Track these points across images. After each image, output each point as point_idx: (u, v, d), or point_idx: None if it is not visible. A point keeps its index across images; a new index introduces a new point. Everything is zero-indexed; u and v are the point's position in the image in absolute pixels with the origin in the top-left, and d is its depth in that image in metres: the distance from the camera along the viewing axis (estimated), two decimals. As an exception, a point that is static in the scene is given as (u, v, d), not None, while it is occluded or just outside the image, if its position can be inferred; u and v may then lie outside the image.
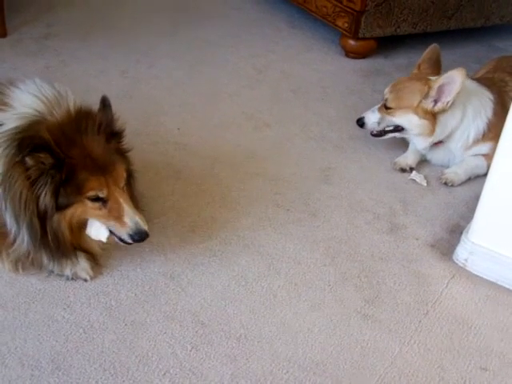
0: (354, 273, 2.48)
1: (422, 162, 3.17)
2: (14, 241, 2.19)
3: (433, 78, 2.94)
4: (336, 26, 4.11)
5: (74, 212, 2.15)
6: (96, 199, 2.13)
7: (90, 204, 2.14)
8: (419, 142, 3.06)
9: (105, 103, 2.20)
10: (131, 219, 2.16)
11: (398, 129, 3.06)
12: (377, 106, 3.10)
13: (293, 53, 4.20)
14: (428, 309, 2.35)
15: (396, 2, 3.95)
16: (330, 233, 2.67)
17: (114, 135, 2.21)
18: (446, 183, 3.02)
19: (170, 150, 3.08)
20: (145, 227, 2.18)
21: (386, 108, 3.04)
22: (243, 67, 3.96)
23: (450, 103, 2.88)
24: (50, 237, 2.15)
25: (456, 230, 2.73)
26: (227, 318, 2.23)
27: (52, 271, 2.32)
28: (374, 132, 3.13)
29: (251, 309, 2.28)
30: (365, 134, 3.32)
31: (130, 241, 2.19)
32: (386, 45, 4.24)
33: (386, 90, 3.07)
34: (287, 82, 3.83)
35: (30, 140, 2.02)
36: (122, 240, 2.22)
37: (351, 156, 3.19)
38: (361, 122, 3.13)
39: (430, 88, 2.88)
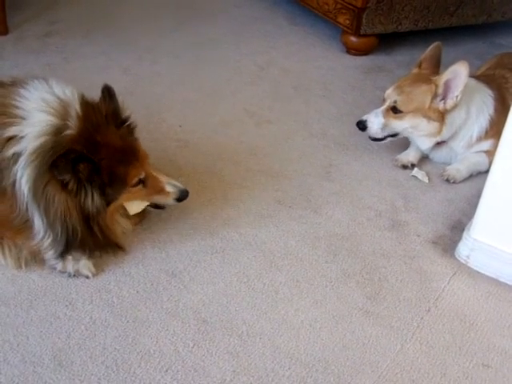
0: (356, 269, 2.48)
1: (424, 158, 3.17)
2: (33, 238, 2.24)
3: (435, 77, 2.92)
4: (337, 22, 4.11)
5: (121, 202, 2.32)
6: (137, 183, 2.31)
7: (133, 190, 2.32)
8: (424, 143, 3.05)
9: (109, 92, 2.28)
10: (171, 186, 2.41)
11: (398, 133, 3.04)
12: (380, 109, 3.01)
13: (294, 50, 4.20)
14: (430, 305, 2.35)
15: (397, -2, 3.96)
16: (332, 229, 2.67)
17: (123, 123, 2.31)
18: (447, 180, 3.01)
19: (172, 146, 3.08)
20: (184, 187, 2.44)
21: (393, 112, 2.98)
22: (245, 64, 3.96)
23: (458, 97, 2.87)
24: (98, 233, 2.25)
25: (458, 227, 2.72)
26: (229, 315, 2.23)
27: (54, 268, 2.32)
28: (376, 137, 3.07)
29: (253, 305, 2.28)
30: (366, 130, 3.32)
31: (174, 204, 2.46)
32: (388, 42, 4.23)
33: (390, 92, 3.01)
34: (289, 79, 3.83)
35: (66, 157, 2.08)
36: (159, 207, 2.49)
37: (353, 153, 3.19)
38: (362, 126, 3.03)
39: (436, 86, 2.87)
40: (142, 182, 2.32)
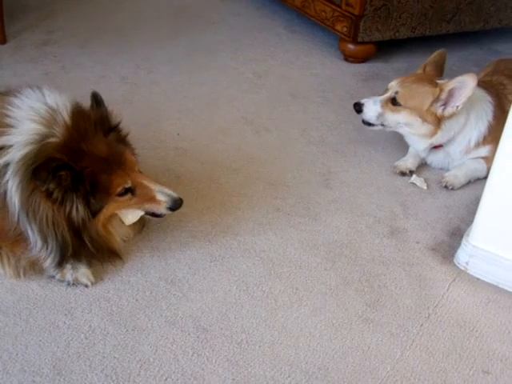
0: (355, 277, 2.48)
1: (422, 165, 3.17)
2: (32, 249, 2.23)
3: (442, 81, 2.93)
4: (335, 30, 4.12)
5: (107, 212, 2.25)
6: (124, 192, 2.25)
7: (120, 199, 2.25)
8: (417, 143, 3.06)
9: (96, 99, 2.28)
10: (163, 194, 2.31)
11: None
12: (379, 98, 3.01)
13: (292, 57, 4.20)
14: (429, 312, 2.34)
15: (394, 6, 3.96)
16: (331, 237, 2.67)
17: (111, 129, 2.29)
18: (446, 186, 3.01)
19: (170, 155, 3.08)
20: (177, 195, 2.33)
21: (392, 103, 2.99)
22: (243, 72, 3.96)
23: (459, 107, 2.87)
24: (89, 244, 2.23)
25: (457, 234, 2.73)
26: (228, 323, 2.23)
27: (53, 277, 2.32)
28: (369, 121, 3.06)
29: (252, 313, 2.27)
30: (365, 138, 3.33)
31: (168, 212, 2.36)
32: (385, 49, 4.24)
33: (394, 84, 3.01)
34: (287, 87, 3.83)
35: (46, 165, 2.06)
36: (156, 215, 2.39)
37: (351, 160, 3.19)
38: (358, 108, 3.04)
39: (441, 91, 2.86)
40: (129, 190, 2.27)
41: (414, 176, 3.07)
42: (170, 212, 2.36)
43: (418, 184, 3.03)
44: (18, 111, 2.22)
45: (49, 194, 2.11)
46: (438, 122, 2.92)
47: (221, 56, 4.13)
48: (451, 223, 2.81)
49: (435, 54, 3.08)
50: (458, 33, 4.32)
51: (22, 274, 2.31)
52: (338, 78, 3.98)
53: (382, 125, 3.05)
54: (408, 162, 3.12)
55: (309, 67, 4.09)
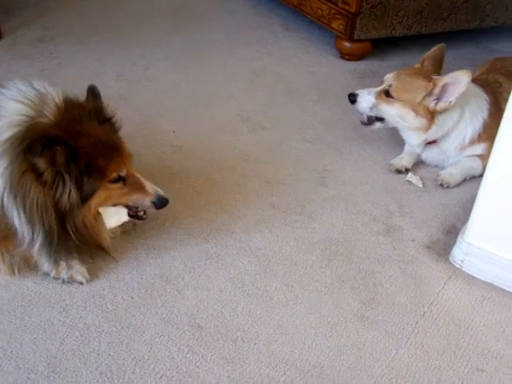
0: (351, 274, 2.48)
1: (418, 163, 3.17)
2: (21, 243, 2.16)
3: (436, 76, 2.93)
4: (331, 28, 4.12)
5: (99, 200, 2.19)
6: (117, 180, 2.21)
7: (111, 186, 2.20)
8: (412, 138, 3.06)
9: (93, 92, 2.26)
10: (152, 188, 2.29)
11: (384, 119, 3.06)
12: (374, 89, 3.03)
13: (288, 55, 4.20)
14: (425, 310, 2.35)
15: (391, 4, 3.96)
16: (327, 235, 2.67)
17: (105, 121, 2.25)
18: (441, 184, 3.02)
19: (166, 152, 3.07)
20: (165, 194, 2.31)
21: (386, 95, 2.99)
22: (239, 70, 3.96)
23: (452, 103, 2.88)
24: (72, 235, 2.15)
25: (452, 231, 2.73)
26: (224, 321, 2.23)
27: (48, 274, 2.32)
28: (365, 121, 3.10)
29: (248, 311, 2.27)
30: (361, 135, 3.33)
31: (153, 209, 2.31)
32: (382, 47, 4.24)
33: (389, 76, 3.02)
34: (283, 84, 3.83)
35: (38, 140, 1.99)
36: (139, 217, 2.36)
37: (347, 158, 3.19)
38: (353, 99, 3.05)
39: (434, 85, 2.87)
40: (122, 179, 2.23)
41: (409, 174, 3.07)
42: (153, 208, 2.31)
43: (413, 182, 3.03)
44: (2, 97, 2.16)
45: (40, 175, 2.03)
46: (431, 116, 2.93)
47: (217, 53, 4.13)
48: (447, 221, 2.81)
49: (434, 49, 3.09)
50: (454, 31, 4.32)
51: (16, 271, 2.30)
52: (334, 75, 3.98)
53: (377, 119, 3.07)
54: (404, 160, 3.12)
55: (305, 65, 4.09)
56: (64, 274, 2.30)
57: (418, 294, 2.42)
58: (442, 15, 4.17)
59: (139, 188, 2.28)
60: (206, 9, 4.80)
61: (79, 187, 2.09)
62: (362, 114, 3.11)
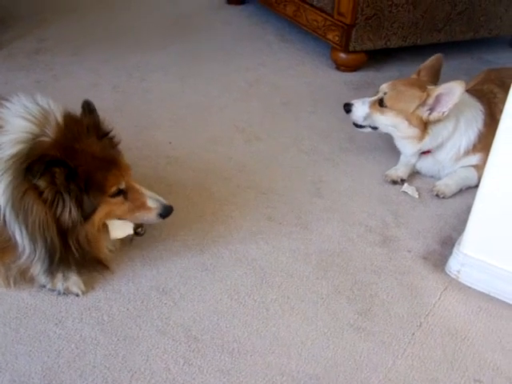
0: (347, 285, 2.47)
1: (414, 174, 3.18)
2: (20, 256, 2.19)
3: (431, 86, 2.94)
4: (327, 39, 4.13)
5: (101, 215, 2.22)
6: (117, 194, 2.23)
7: (113, 201, 2.22)
8: (406, 147, 3.07)
9: (89, 108, 2.27)
10: (154, 201, 2.31)
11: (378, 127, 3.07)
12: (369, 99, 3.05)
13: (284, 66, 4.21)
14: (421, 321, 2.34)
15: (386, 15, 3.98)
16: (323, 246, 2.66)
17: (103, 136, 2.27)
18: (437, 195, 3.02)
19: (162, 163, 3.08)
20: (167, 202, 2.34)
21: (380, 104, 3.00)
22: (234, 80, 3.97)
23: (445, 114, 2.89)
24: (75, 250, 2.18)
25: (448, 242, 2.73)
26: (220, 332, 2.22)
27: (44, 286, 2.31)
28: (357, 123, 3.11)
29: (244, 322, 2.27)
30: (356, 146, 3.34)
31: (159, 220, 2.35)
32: (377, 58, 4.26)
33: (384, 86, 3.03)
34: (278, 95, 3.84)
35: (39, 161, 2.03)
36: (137, 234, 2.44)
37: (343, 169, 3.19)
38: (348, 109, 3.08)
39: (428, 96, 2.88)
40: (122, 192, 2.25)
41: (405, 185, 3.07)
42: (161, 219, 2.34)
43: (409, 193, 3.03)
44: (7, 111, 2.19)
45: (41, 193, 2.07)
46: (425, 126, 2.93)
47: (212, 64, 4.14)
48: (442, 232, 2.81)
49: (431, 59, 3.10)
50: (448, 42, 4.34)
51: (12, 283, 2.29)
52: (329, 86, 3.99)
53: (371, 127, 3.08)
54: (399, 171, 3.12)
55: (300, 76, 4.10)
56: (60, 286, 2.29)
57: (414, 304, 2.41)
58: (437, 26, 4.19)
59: (141, 203, 2.30)
60: (200, 20, 4.82)
61: (80, 205, 2.13)
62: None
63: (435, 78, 3.07)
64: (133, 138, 3.17)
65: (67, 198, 2.10)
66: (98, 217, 2.21)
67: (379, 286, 2.49)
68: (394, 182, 3.09)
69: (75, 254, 2.19)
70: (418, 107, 2.90)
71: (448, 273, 2.56)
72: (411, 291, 2.47)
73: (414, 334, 2.29)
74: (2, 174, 2.08)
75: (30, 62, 3.93)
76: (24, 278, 2.29)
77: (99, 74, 3.89)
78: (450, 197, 3.02)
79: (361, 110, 3.05)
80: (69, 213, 2.11)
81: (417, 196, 3.03)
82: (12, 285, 2.29)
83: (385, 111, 2.99)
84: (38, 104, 2.23)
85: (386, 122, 3.00)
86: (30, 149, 2.09)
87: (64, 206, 2.10)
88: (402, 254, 2.66)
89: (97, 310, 2.27)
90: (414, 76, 3.11)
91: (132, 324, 2.22)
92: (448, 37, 4.27)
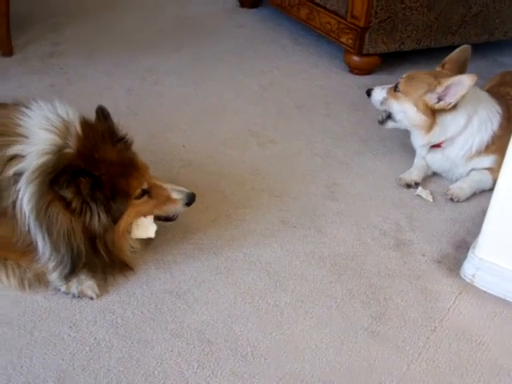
0: (361, 289, 2.47)
1: (428, 177, 3.16)
2: (38, 260, 2.24)
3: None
4: (340, 42, 4.12)
5: (129, 217, 2.29)
6: (142, 194, 2.31)
7: (138, 202, 2.31)
8: (416, 138, 3.09)
9: (103, 113, 2.32)
10: (177, 192, 2.41)
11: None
12: (388, 86, 3.12)
13: (297, 69, 4.21)
14: (436, 325, 2.33)
15: (400, 18, 3.96)
16: (337, 249, 2.66)
17: (118, 141, 2.32)
18: (451, 198, 3.00)
19: (176, 166, 3.08)
20: (189, 190, 2.45)
21: (394, 90, 3.05)
22: (248, 84, 3.96)
23: (451, 105, 2.88)
24: (104, 254, 2.24)
25: (463, 246, 2.71)
26: (234, 336, 2.22)
27: (58, 289, 2.32)
28: (380, 119, 3.19)
29: (258, 326, 2.27)
30: (370, 150, 3.33)
31: (186, 208, 2.45)
32: (390, 61, 4.23)
33: (404, 75, 3.09)
34: (292, 99, 3.83)
35: (65, 173, 2.08)
36: (170, 219, 2.49)
37: (356, 172, 3.18)
38: (369, 93, 3.18)
39: (439, 84, 2.87)
40: (146, 192, 2.32)
41: (419, 188, 3.06)
42: (186, 208, 2.44)
43: (423, 196, 3.02)
44: (30, 121, 2.24)
45: (67, 204, 2.13)
46: (431, 114, 2.93)
47: (226, 67, 4.14)
48: (457, 235, 2.79)
49: (458, 50, 3.11)
50: (463, 44, 4.31)
51: (27, 285, 2.30)
52: (343, 90, 3.98)
53: (390, 118, 3.12)
54: (413, 175, 3.11)
55: (314, 79, 4.10)
56: (74, 289, 2.30)
57: (428, 308, 2.40)
58: (452, 29, 4.17)
59: (166, 198, 2.39)
60: (213, 23, 4.82)
61: (108, 211, 2.19)
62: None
63: (461, 70, 3.04)
64: (147, 141, 3.18)
65: (94, 206, 2.16)
66: (125, 219, 2.28)
67: (393, 290, 2.48)
68: (408, 186, 3.08)
69: (103, 258, 2.24)
70: (426, 93, 2.91)
71: (463, 277, 2.55)
72: (425, 295, 2.46)
73: (428, 338, 2.28)
74: (28, 184, 2.13)
75: (45, 66, 3.94)
76: (39, 281, 2.31)
77: (113, 77, 3.90)
78: (465, 200, 3.01)
79: (379, 94, 3.12)
80: (98, 220, 2.17)
81: (431, 199, 3.01)
82: (27, 288, 2.30)
83: (397, 96, 3.03)
84: (58, 114, 2.27)
85: (397, 107, 3.05)
86: (55, 160, 2.14)
87: (92, 214, 2.16)
88: (417, 258, 2.65)
89: (111, 313, 2.27)
90: (438, 69, 3.10)
91: (146, 327, 2.23)
92: (462, 39, 4.24)
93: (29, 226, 2.16)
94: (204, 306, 2.33)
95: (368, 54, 4.05)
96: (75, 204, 2.13)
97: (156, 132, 3.34)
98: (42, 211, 2.13)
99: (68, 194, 2.11)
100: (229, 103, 3.73)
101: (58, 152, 2.16)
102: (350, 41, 4.02)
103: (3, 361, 2.07)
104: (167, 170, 3.03)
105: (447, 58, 3.10)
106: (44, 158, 2.15)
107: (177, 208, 2.43)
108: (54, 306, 2.28)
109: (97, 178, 2.13)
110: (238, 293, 2.40)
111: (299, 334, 2.25)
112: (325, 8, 4.20)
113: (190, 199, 2.44)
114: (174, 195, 2.41)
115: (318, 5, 4.26)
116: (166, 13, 4.90)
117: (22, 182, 2.13)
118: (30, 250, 2.21)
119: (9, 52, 4.00)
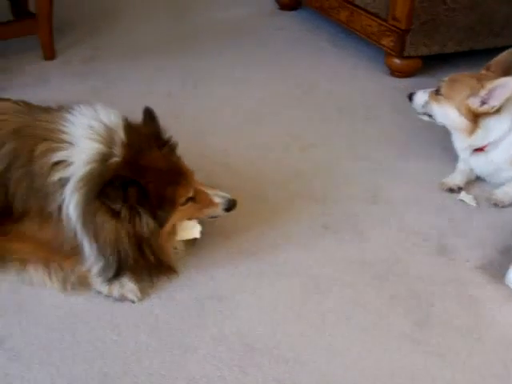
0: (404, 296, 2.43)
1: (471, 182, 3.11)
2: (83, 263, 2.27)
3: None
4: (381, 44, 4.09)
5: (173, 222, 2.32)
6: (187, 201, 2.33)
7: (183, 208, 2.32)
8: (458, 141, 3.05)
9: (150, 115, 2.34)
10: (218, 196, 2.44)
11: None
12: (430, 89, 3.09)
13: (337, 72, 4.18)
14: (481, 333, 2.28)
15: (441, 19, 3.91)
16: (379, 255, 2.63)
17: (164, 145, 2.33)
18: (495, 204, 2.95)
19: (216, 171, 3.07)
20: (231, 196, 2.47)
21: (436, 93, 3.02)
22: (287, 86, 3.95)
23: (494, 108, 2.83)
24: (151, 257, 2.26)
25: (507, 252, 2.66)
26: (275, 341, 2.20)
27: (100, 292, 2.33)
28: (417, 110, 3.17)
29: (300, 332, 2.25)
30: (412, 153, 3.30)
31: (225, 214, 2.47)
32: (432, 63, 4.18)
33: (446, 78, 3.05)
34: (332, 102, 3.81)
35: (114, 184, 2.10)
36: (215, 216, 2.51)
37: (398, 176, 3.15)
38: (410, 97, 3.17)
39: (482, 87, 2.83)
40: (191, 199, 2.34)
41: (462, 193, 3.01)
42: (226, 213, 2.46)
43: (466, 201, 2.98)
44: (75, 128, 2.26)
45: (115, 213, 2.15)
46: (474, 118, 2.89)
47: (265, 70, 4.13)
48: (501, 241, 2.74)
49: (504, 53, 3.05)
50: (506, 47, 4.24)
51: (69, 288, 2.32)
52: (384, 93, 3.95)
53: (429, 115, 3.10)
54: (456, 179, 3.06)
55: (354, 82, 4.07)
56: (116, 293, 2.31)
57: (473, 316, 2.36)
58: (494, 31, 4.10)
59: (208, 202, 2.42)
60: (253, 25, 4.82)
61: (154, 217, 2.21)
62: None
63: (505, 73, 2.97)
64: (187, 144, 3.14)
65: (142, 213, 2.18)
66: (170, 224, 2.29)
67: (436, 297, 2.44)
68: (451, 190, 3.04)
69: (150, 261, 2.26)
70: (468, 97, 2.87)
71: (508, 284, 2.50)
72: (470, 302, 2.42)
73: (473, 346, 2.23)
74: (75, 192, 2.16)
75: (85, 69, 3.98)
76: (81, 284, 2.33)
77: (153, 80, 3.92)
78: (509, 205, 2.95)
79: (421, 97, 3.11)
80: (146, 225, 2.19)
81: (474, 204, 2.97)
82: (69, 290, 2.32)
83: (439, 99, 3.00)
84: (101, 121, 2.28)
85: (439, 110, 3.01)
86: (102, 169, 2.16)
87: (141, 221, 2.18)
88: (460, 264, 2.60)
89: (152, 317, 2.27)
90: (483, 71, 3.04)
91: (187, 331, 2.22)
92: (506, 41, 4.17)
93: (75, 231, 2.18)
94: (245, 311, 2.32)
95: (409, 57, 4.01)
96: (124, 213, 2.15)
97: (197, 135, 3.33)
98: (89, 218, 2.15)
99: (116, 203, 2.13)
100: (269, 106, 3.72)
101: (104, 161, 2.18)
102: (391, 43, 3.98)
103: (46, 363, 2.08)
104: (208, 174, 3.00)
105: (492, 61, 3.04)
106: (90, 167, 2.17)
107: (216, 211, 2.45)
108: (95, 308, 2.30)
109: (143, 188, 2.15)
110: (279, 298, 2.39)
111: (341, 341, 2.23)
112: (365, 10, 4.17)
113: (231, 205, 2.45)
114: (217, 199, 2.42)
115: (358, 7, 4.23)
116: (204, 16, 4.92)
117: (69, 189, 2.16)
118: (74, 253, 2.24)
119: (51, 56, 4.05)
